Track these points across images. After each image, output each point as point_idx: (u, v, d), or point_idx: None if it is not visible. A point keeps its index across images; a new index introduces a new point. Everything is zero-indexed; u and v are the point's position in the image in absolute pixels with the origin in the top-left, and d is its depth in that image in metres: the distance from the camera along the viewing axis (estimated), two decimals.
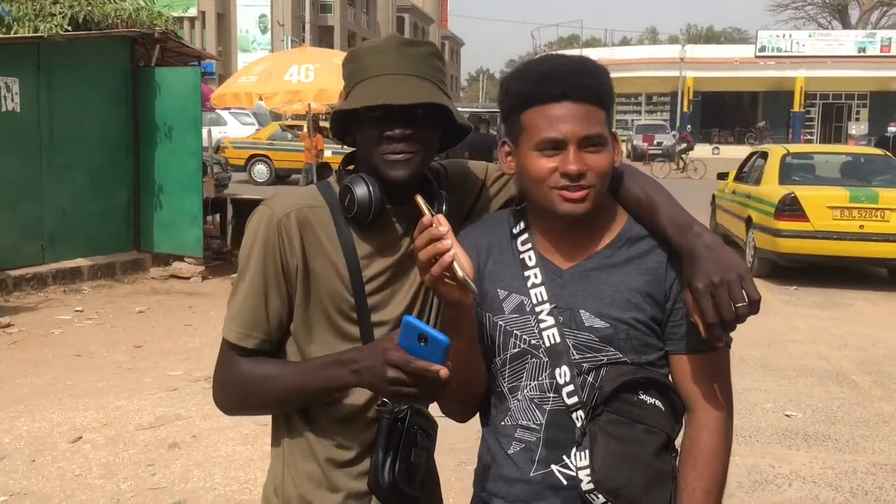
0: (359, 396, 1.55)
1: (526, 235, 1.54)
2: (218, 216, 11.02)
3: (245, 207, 10.97)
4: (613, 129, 1.49)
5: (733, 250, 1.43)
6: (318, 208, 1.55)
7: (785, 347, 6.83)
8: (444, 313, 1.41)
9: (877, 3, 46.96)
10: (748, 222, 10.33)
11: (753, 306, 1.35)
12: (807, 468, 4.46)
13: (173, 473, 4.22)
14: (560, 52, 1.60)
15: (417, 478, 1.54)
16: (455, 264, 1.29)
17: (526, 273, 1.50)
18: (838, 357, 6.71)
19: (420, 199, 1.38)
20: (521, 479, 1.48)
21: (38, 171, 8.79)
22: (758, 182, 10.61)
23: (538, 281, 1.49)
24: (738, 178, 11.90)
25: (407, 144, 1.48)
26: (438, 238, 1.29)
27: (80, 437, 4.65)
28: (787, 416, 5.28)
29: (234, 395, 1.55)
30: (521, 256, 1.52)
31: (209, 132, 13.26)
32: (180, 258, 9.64)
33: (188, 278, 9.35)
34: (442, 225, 1.30)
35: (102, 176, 9.46)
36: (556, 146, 1.41)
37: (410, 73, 1.48)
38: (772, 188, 9.94)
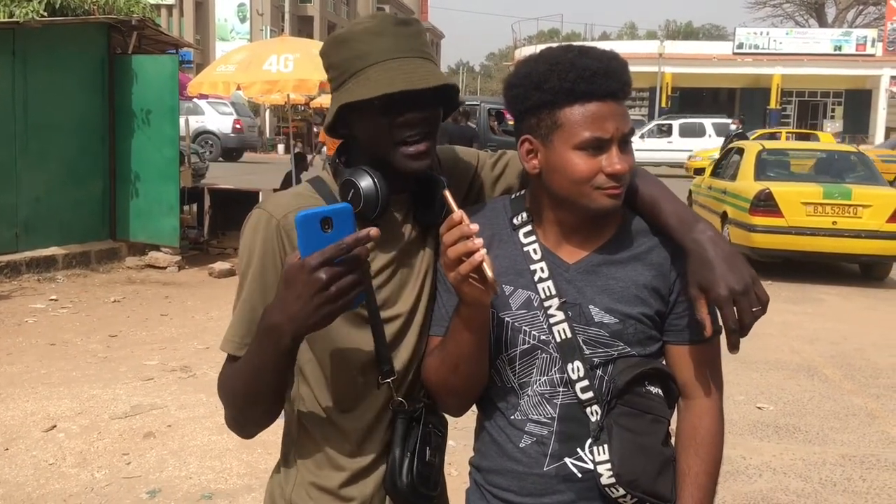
0: (374, 401, 1.50)
1: (529, 227, 1.51)
2: (195, 206, 10.95)
3: (222, 198, 10.92)
4: None
5: (734, 247, 1.45)
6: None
7: (758, 341, 6.92)
8: (460, 311, 1.37)
9: (853, 3, 47.41)
10: (724, 217, 10.43)
11: (765, 308, 1.38)
12: (777, 459, 4.53)
13: (148, 462, 4.21)
14: (570, 43, 1.55)
15: (433, 478, 1.51)
16: (485, 264, 1.26)
17: (532, 267, 1.48)
18: (810, 351, 6.81)
19: (448, 194, 1.33)
20: (533, 473, 1.47)
21: (12, 158, 8.70)
22: (734, 178, 10.71)
23: (545, 275, 1.47)
24: (714, 174, 12.01)
25: (422, 130, 1.43)
26: (468, 236, 1.26)
27: (55, 426, 4.63)
28: (758, 408, 5.35)
29: (225, 401, 1.47)
30: (526, 249, 1.50)
31: (186, 121, 13.17)
32: (156, 248, 9.58)
33: (164, 268, 9.30)
34: (472, 222, 1.27)
35: (78, 164, 9.37)
36: (601, 146, 1.40)
37: (417, 56, 1.43)
38: (747, 184, 10.05)
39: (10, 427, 4.62)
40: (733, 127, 16.31)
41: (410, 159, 1.43)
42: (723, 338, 1.41)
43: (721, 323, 1.40)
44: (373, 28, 1.43)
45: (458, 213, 1.28)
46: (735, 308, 1.36)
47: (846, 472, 4.38)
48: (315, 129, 30.61)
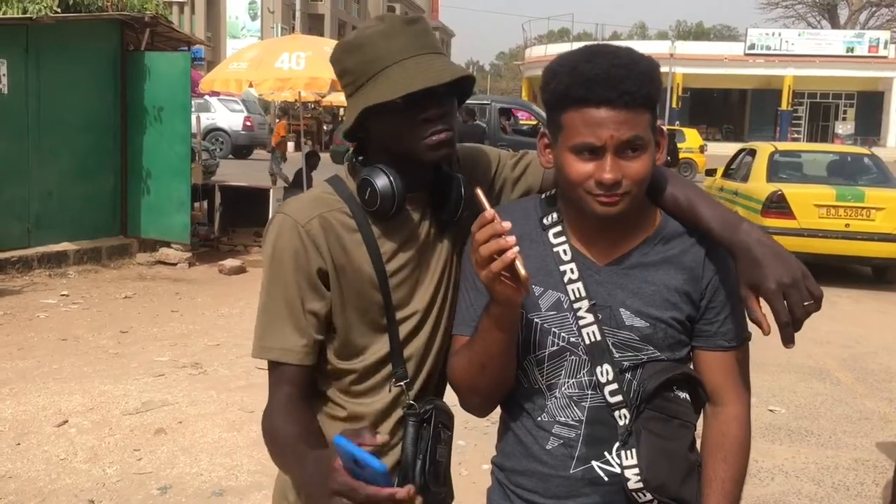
0: (383, 397, 1.52)
1: (559, 228, 1.50)
2: (206, 203, 10.97)
3: (233, 195, 10.94)
4: (659, 124, 1.44)
5: (781, 245, 1.42)
6: (337, 209, 1.49)
7: (769, 343, 6.87)
8: (490, 310, 1.37)
9: (865, 4, 47.22)
10: None
11: (818, 303, 1.36)
12: (790, 462, 4.50)
13: (159, 459, 4.22)
14: (607, 42, 1.53)
15: (442, 474, 1.53)
16: (517, 262, 1.26)
17: (562, 268, 1.47)
18: (821, 354, 6.77)
19: (480, 192, 1.32)
20: (559, 476, 1.46)
21: (24, 153, 8.73)
22: (745, 179, 10.66)
23: (575, 276, 1.46)
24: (726, 175, 11.96)
25: (444, 123, 1.44)
26: (500, 233, 1.25)
27: (66, 421, 4.64)
28: (770, 411, 5.32)
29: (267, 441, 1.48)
30: (556, 250, 1.48)
31: (198, 118, 13.18)
32: (167, 244, 9.59)
33: (175, 264, 9.31)
34: (504, 220, 1.27)
35: (90, 160, 9.40)
36: (594, 151, 1.37)
37: (430, 52, 1.45)
38: (759, 185, 10.00)
39: (21, 422, 4.63)
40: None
41: (433, 150, 1.44)
42: (776, 333, 1.39)
43: (750, 328, 1.39)
44: (383, 30, 1.44)
45: (490, 211, 1.27)
46: (786, 302, 1.35)
47: (859, 477, 4.35)
48: (326, 127, 30.62)
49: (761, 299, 1.38)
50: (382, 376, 1.51)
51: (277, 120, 18.62)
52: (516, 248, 1.26)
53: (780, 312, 1.35)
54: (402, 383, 1.50)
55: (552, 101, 1.42)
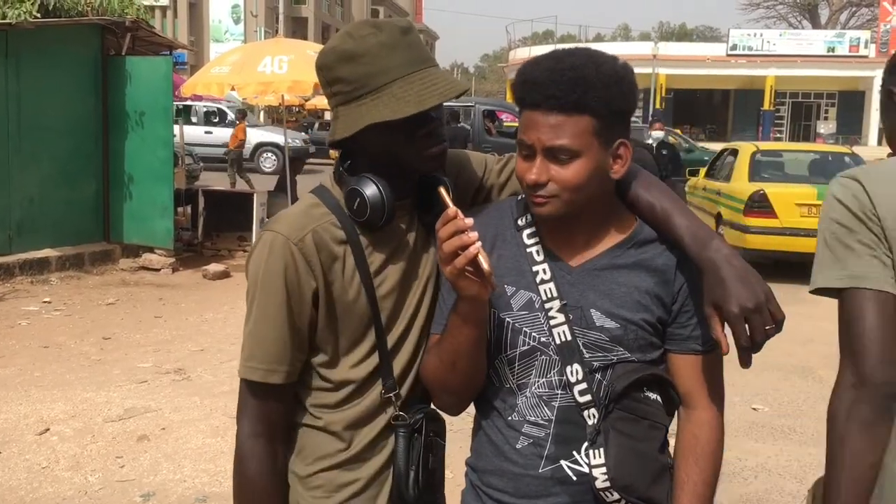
0: (371, 406, 1.51)
1: (533, 228, 1.51)
2: (189, 207, 10.93)
3: (216, 199, 10.89)
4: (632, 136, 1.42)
5: (749, 265, 1.42)
6: (327, 222, 1.47)
7: None
8: (458, 307, 1.38)
9: (846, 4, 47.62)
10: (718, 218, 10.44)
11: (780, 326, 1.37)
12: (773, 461, 4.53)
13: (142, 466, 4.19)
14: (587, 47, 1.53)
15: (435, 483, 1.53)
16: (480, 257, 1.28)
17: (534, 268, 1.48)
18: (804, 352, 6.80)
19: (443, 191, 1.35)
20: (528, 475, 1.47)
21: (5, 159, 8.66)
22: (728, 179, 10.73)
23: (547, 277, 1.47)
24: (708, 175, 12.03)
25: (440, 135, 1.46)
26: (463, 230, 1.28)
27: (48, 429, 4.60)
28: (753, 409, 5.35)
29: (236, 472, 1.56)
30: (529, 250, 1.49)
31: (181, 128, 13.12)
32: (150, 249, 9.54)
33: (158, 270, 9.27)
34: (477, 221, 1.29)
35: (71, 165, 9.34)
36: (531, 151, 1.40)
37: (430, 65, 1.45)
38: (741, 185, 10.06)
39: (2, 430, 4.59)
40: (658, 134, 12.70)
41: (433, 160, 1.46)
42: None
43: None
44: (385, 42, 1.41)
45: (452, 209, 1.30)
46: (747, 326, 1.35)
47: None
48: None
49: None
50: (371, 387, 1.50)
51: (237, 122, 18.37)
52: (479, 244, 1.28)
53: (740, 336, 1.36)
54: (391, 394, 1.50)
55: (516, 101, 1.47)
